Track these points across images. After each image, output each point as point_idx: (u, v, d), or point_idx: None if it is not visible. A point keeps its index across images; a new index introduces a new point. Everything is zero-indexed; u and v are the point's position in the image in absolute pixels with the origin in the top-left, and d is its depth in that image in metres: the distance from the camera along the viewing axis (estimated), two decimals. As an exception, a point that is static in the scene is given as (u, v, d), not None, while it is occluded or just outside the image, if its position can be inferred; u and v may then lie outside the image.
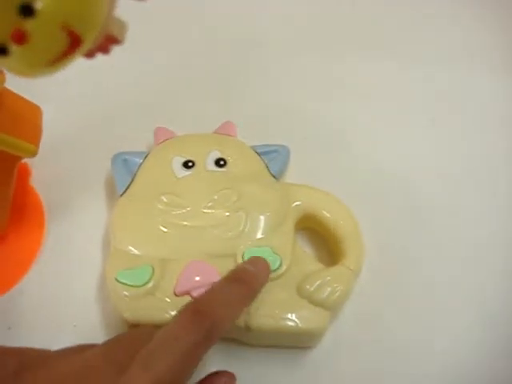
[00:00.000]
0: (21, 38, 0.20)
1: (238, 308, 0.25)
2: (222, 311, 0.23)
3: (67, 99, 0.36)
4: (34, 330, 0.30)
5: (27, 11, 0.19)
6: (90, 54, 0.23)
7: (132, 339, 0.24)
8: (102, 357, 0.23)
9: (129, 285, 0.28)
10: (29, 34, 0.19)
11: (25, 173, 0.33)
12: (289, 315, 0.27)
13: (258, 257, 0.28)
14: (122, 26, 0.23)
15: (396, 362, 0.29)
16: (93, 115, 0.37)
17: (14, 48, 0.20)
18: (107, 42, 0.23)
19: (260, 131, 0.35)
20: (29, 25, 0.19)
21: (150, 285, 0.28)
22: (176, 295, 0.27)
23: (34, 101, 0.29)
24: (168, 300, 0.27)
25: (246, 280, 0.26)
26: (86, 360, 0.23)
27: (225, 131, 0.34)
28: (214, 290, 0.25)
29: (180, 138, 0.33)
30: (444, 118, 0.39)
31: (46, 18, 0.19)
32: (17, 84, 0.24)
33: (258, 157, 0.32)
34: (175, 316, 0.23)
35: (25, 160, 0.30)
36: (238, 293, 0.25)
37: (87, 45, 0.21)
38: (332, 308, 0.28)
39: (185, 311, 0.23)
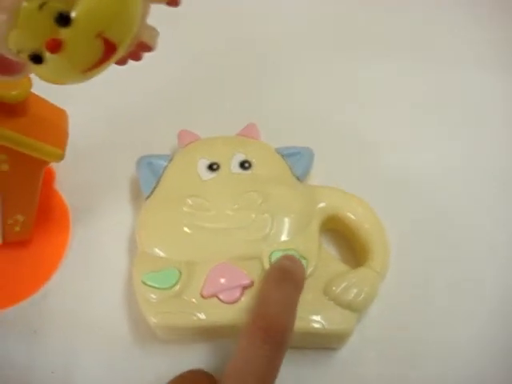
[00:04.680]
0: (56, 46, 0.20)
1: (294, 307, 0.26)
2: (285, 317, 0.25)
3: (91, 102, 0.37)
4: (59, 333, 0.31)
5: (64, 20, 0.20)
6: (121, 61, 0.24)
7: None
8: None
9: (156, 287, 0.29)
10: (64, 42, 0.20)
11: (49, 176, 0.34)
12: (315, 317, 0.28)
13: (288, 254, 0.29)
14: (154, 32, 0.24)
15: (421, 363, 0.30)
16: (117, 118, 0.38)
17: (48, 56, 0.21)
18: (139, 48, 0.24)
19: (283, 133, 0.36)
20: (64, 33, 0.20)
21: (177, 287, 0.29)
22: (203, 297, 0.29)
23: (59, 104, 0.30)
24: (195, 302, 0.29)
25: (291, 276, 0.27)
26: None
27: (248, 133, 0.35)
28: (269, 298, 0.26)
29: (204, 140, 0.35)
30: (468, 124, 0.40)
31: (81, 27, 0.20)
32: (42, 88, 0.25)
33: (282, 159, 0.34)
34: (243, 337, 0.25)
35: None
36: (289, 292, 0.26)
37: (121, 52, 0.22)
38: (358, 310, 0.29)
39: (253, 332, 0.25)
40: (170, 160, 0.34)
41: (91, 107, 0.38)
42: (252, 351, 0.24)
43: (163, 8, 0.24)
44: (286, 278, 0.27)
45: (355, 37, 0.44)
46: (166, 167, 0.33)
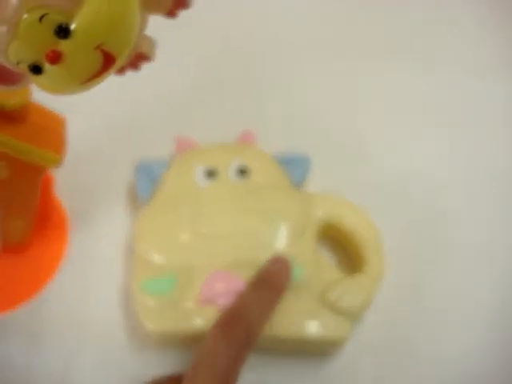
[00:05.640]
0: (56, 58, 0.21)
1: (267, 311, 0.27)
2: (253, 318, 0.26)
3: (90, 109, 0.38)
4: (58, 338, 0.32)
5: (63, 32, 0.20)
6: (120, 71, 0.24)
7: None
8: None
9: (153, 293, 0.30)
10: (64, 54, 0.21)
11: (48, 182, 0.35)
12: (311, 323, 0.29)
13: (279, 255, 0.30)
14: (152, 43, 0.25)
15: (417, 369, 0.31)
16: (115, 125, 0.39)
17: (48, 67, 0.21)
18: (138, 59, 0.24)
19: (282, 137, 0.37)
20: (64, 45, 0.21)
21: (175, 293, 0.30)
22: (200, 304, 0.29)
23: (57, 111, 0.30)
24: (192, 308, 0.29)
25: (271, 281, 0.28)
26: None
27: (245, 140, 0.36)
28: (242, 298, 0.27)
29: (202, 147, 0.35)
30: (468, 126, 0.41)
31: (81, 39, 0.21)
32: (41, 95, 0.25)
33: (279, 166, 0.34)
34: (209, 332, 0.25)
35: (47, 169, 0.32)
36: (264, 296, 0.27)
37: (120, 63, 0.23)
38: (354, 316, 0.30)
39: (217, 326, 0.25)
40: (168, 166, 0.34)
41: (89, 113, 0.38)
42: (212, 346, 0.25)
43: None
44: (264, 282, 0.28)
45: (355, 37, 0.44)
46: (163, 173, 0.34)
